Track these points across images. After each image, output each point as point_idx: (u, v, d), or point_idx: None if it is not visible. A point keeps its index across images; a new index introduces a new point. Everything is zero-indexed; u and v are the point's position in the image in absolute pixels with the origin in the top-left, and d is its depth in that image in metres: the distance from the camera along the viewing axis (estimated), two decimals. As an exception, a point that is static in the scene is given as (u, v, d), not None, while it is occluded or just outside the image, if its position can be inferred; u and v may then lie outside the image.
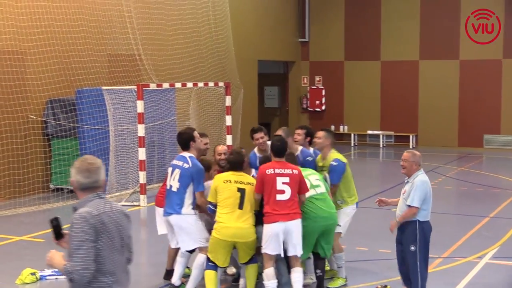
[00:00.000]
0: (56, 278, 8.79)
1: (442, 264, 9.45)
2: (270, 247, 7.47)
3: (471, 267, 9.27)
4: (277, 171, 7.51)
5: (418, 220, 7.30)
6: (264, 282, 7.58)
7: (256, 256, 7.83)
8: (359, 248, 10.14)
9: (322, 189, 7.96)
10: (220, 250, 7.60)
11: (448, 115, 24.75)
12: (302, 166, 8.10)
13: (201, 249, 7.93)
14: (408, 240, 7.34)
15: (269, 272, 7.52)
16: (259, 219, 7.69)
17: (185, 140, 8.03)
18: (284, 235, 7.46)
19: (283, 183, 7.48)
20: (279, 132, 8.58)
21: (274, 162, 7.67)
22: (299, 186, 7.59)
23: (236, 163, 7.74)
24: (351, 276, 8.69)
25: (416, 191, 7.24)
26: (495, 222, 12.40)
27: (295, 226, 7.49)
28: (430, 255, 9.68)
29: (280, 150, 7.68)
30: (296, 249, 7.53)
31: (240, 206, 7.53)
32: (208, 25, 20.43)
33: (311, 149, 8.82)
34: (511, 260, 9.75)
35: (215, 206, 7.69)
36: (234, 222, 7.49)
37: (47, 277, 8.82)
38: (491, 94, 24.14)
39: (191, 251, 8.08)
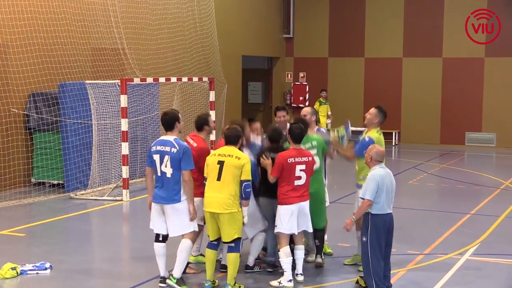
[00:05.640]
0: (37, 273, 8.74)
1: (423, 260, 9.51)
2: (286, 227, 8.13)
3: (452, 263, 9.33)
4: (297, 159, 8.16)
5: (370, 213, 7.48)
6: (280, 259, 8.21)
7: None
8: (342, 244, 10.16)
9: (317, 165, 8.68)
10: (206, 220, 8.05)
11: (430, 112, 24.91)
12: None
13: (185, 235, 8.01)
14: (361, 231, 7.66)
15: (286, 250, 8.16)
16: (265, 191, 8.38)
17: (170, 120, 8.03)
18: (297, 214, 8.17)
19: (301, 170, 8.17)
20: (307, 110, 9.32)
21: (293, 150, 8.26)
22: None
23: (229, 137, 8.02)
24: (336, 272, 8.81)
25: (367, 184, 7.50)
26: (476, 219, 12.50)
27: (307, 206, 8.28)
28: (411, 252, 9.77)
29: (299, 137, 8.31)
30: (307, 226, 8.35)
31: (218, 178, 7.83)
32: (193, 20, 20.38)
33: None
34: (492, 256, 9.83)
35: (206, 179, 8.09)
36: (212, 193, 7.85)
37: (28, 272, 8.76)
38: (473, 92, 24.32)
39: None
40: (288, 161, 8.11)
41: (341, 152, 9.09)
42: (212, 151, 8.25)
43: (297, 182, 8.17)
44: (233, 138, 7.98)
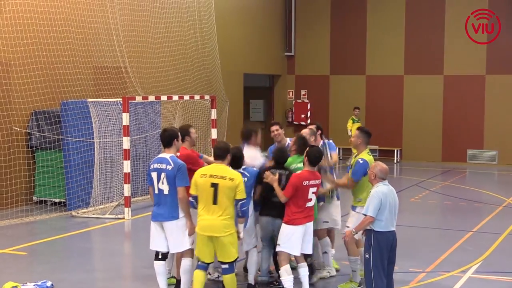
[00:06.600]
0: (39, 291, 8.73)
1: (425, 278, 9.48)
2: (289, 246, 8.12)
3: (454, 281, 9.30)
4: (311, 182, 8.18)
5: (373, 230, 7.49)
6: (282, 278, 8.19)
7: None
8: (345, 262, 10.11)
9: None
10: (200, 243, 7.84)
11: (432, 129, 24.94)
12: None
13: (184, 254, 8.05)
14: (364, 248, 7.66)
15: (287, 268, 8.15)
16: (269, 209, 8.37)
17: (168, 137, 8.10)
18: (303, 235, 8.19)
19: (312, 192, 8.24)
20: (305, 131, 9.25)
21: (308, 172, 8.25)
22: None
23: (217, 151, 7.97)
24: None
25: (370, 200, 7.50)
26: (478, 237, 12.47)
27: (311, 226, 8.34)
28: (413, 269, 9.72)
29: (317, 161, 8.32)
30: (308, 247, 8.33)
31: (215, 201, 7.71)
32: (194, 38, 20.48)
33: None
34: (494, 274, 9.80)
35: (195, 198, 7.90)
36: (208, 216, 7.71)
37: (30, 290, 8.75)
38: (475, 110, 24.36)
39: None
40: (304, 184, 8.11)
41: (340, 185, 9.10)
42: (201, 170, 7.96)
43: (308, 204, 8.19)
44: (221, 153, 7.92)
